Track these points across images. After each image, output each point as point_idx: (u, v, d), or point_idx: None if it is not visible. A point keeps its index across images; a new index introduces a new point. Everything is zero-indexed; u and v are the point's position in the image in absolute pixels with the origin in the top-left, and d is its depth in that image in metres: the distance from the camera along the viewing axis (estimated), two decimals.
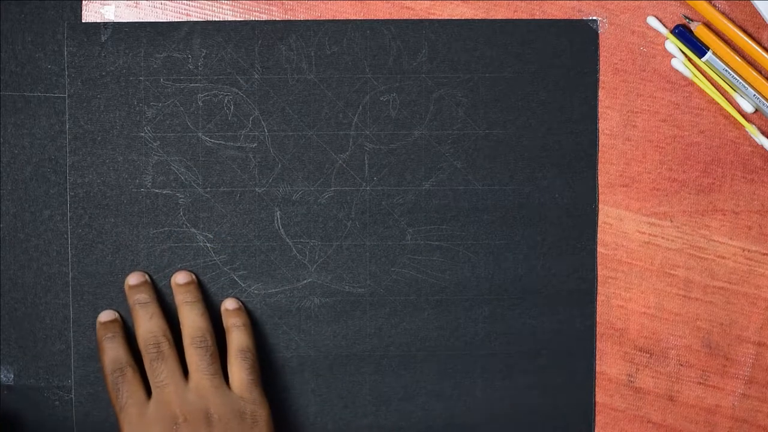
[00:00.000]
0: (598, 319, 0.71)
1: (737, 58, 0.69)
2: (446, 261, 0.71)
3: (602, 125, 0.71)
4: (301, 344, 0.71)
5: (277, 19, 0.70)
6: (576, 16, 0.70)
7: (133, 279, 0.69)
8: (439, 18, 0.70)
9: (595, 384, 0.72)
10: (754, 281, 0.71)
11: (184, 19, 0.70)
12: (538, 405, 0.72)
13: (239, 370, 0.67)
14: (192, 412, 0.64)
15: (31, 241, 0.70)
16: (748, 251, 0.71)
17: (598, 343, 0.71)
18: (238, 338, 0.68)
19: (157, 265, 0.70)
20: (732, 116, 0.70)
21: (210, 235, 0.71)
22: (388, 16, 0.70)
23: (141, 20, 0.70)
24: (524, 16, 0.70)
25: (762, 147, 0.70)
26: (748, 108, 0.70)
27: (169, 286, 0.70)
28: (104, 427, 0.71)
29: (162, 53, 0.70)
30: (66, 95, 0.70)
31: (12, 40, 0.70)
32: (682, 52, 0.70)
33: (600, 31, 0.70)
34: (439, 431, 0.71)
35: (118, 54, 0.70)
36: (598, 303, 0.71)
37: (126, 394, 0.65)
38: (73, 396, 0.71)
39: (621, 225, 0.71)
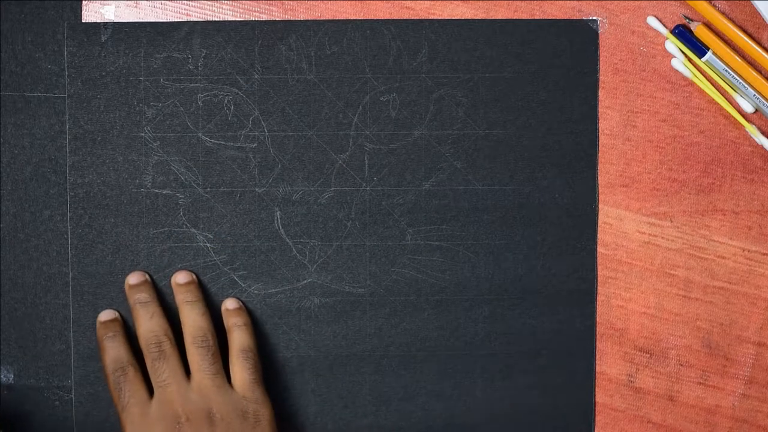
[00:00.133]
0: (598, 319, 0.71)
1: (737, 58, 0.69)
2: (446, 261, 0.71)
3: (602, 125, 0.71)
4: (301, 344, 0.71)
5: (277, 19, 0.70)
6: (576, 16, 0.70)
7: (134, 278, 0.69)
8: (439, 18, 0.70)
9: (595, 384, 0.72)
10: (754, 281, 0.71)
11: (184, 19, 0.70)
12: (538, 405, 0.72)
13: (241, 370, 0.67)
14: (194, 411, 0.64)
15: (31, 241, 0.70)
16: (748, 251, 0.71)
17: (598, 343, 0.71)
18: (239, 338, 0.68)
19: (157, 265, 0.70)
20: (732, 116, 0.70)
21: (210, 235, 0.71)
22: (388, 16, 0.70)
23: (141, 20, 0.70)
24: (524, 16, 0.70)
25: (762, 147, 0.70)
26: (748, 108, 0.70)
27: (170, 286, 0.70)
28: (104, 427, 0.71)
29: (162, 53, 0.70)
30: (66, 95, 0.70)
31: (12, 40, 0.70)
32: (682, 52, 0.70)
33: (600, 31, 0.70)
34: (439, 431, 0.71)
35: (118, 54, 0.70)
36: (598, 303, 0.71)
37: (128, 393, 0.65)
38: (73, 396, 0.71)
39: (621, 225, 0.71)
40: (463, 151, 0.71)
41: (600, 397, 0.72)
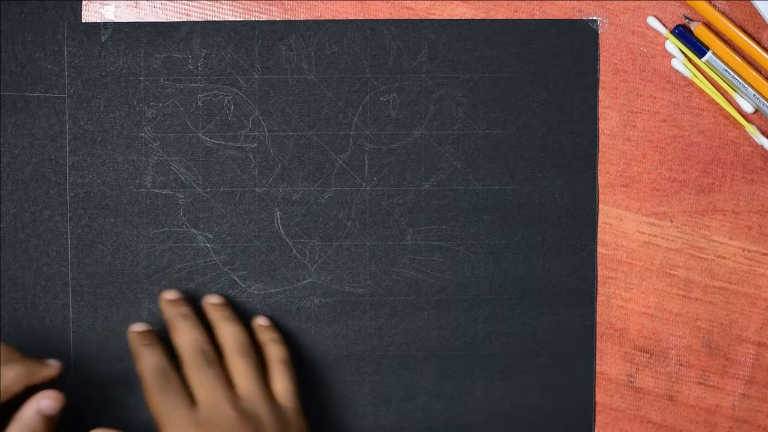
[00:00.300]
0: (598, 319, 0.71)
1: (737, 58, 0.69)
2: (446, 261, 0.71)
3: (602, 125, 0.71)
4: (301, 344, 0.71)
5: (277, 19, 0.70)
6: (576, 16, 0.70)
7: (172, 294, 0.69)
8: (439, 18, 0.70)
9: (595, 384, 0.72)
10: (754, 281, 0.71)
11: (184, 19, 0.70)
12: (538, 405, 0.72)
13: (283, 380, 0.67)
14: (246, 415, 0.64)
15: (31, 241, 0.70)
16: (748, 251, 0.71)
17: (598, 343, 0.71)
18: (277, 350, 0.68)
19: (157, 265, 0.70)
20: (732, 116, 0.70)
21: (210, 235, 0.71)
22: (388, 16, 0.70)
23: (141, 20, 0.70)
24: (524, 16, 0.70)
25: (762, 147, 0.70)
26: (748, 108, 0.70)
27: (169, 285, 0.70)
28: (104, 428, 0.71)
29: (162, 53, 0.70)
30: (66, 95, 0.70)
31: (12, 40, 0.70)
32: (682, 52, 0.70)
33: (600, 31, 0.70)
34: (439, 431, 0.71)
35: (118, 54, 0.70)
36: (598, 303, 0.71)
37: (174, 399, 0.64)
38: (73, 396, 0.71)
39: (621, 225, 0.71)
40: (463, 151, 0.71)
41: (600, 397, 0.72)
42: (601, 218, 0.71)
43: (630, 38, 0.70)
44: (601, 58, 0.70)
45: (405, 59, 0.70)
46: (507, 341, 0.71)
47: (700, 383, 0.72)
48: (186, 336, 0.67)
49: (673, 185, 0.71)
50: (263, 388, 0.66)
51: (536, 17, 0.70)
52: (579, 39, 0.70)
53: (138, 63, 0.70)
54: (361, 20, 0.70)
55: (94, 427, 0.71)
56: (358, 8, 0.70)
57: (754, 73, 0.69)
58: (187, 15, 0.70)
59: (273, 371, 0.68)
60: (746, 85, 0.69)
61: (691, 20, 0.70)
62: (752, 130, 0.70)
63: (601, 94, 0.71)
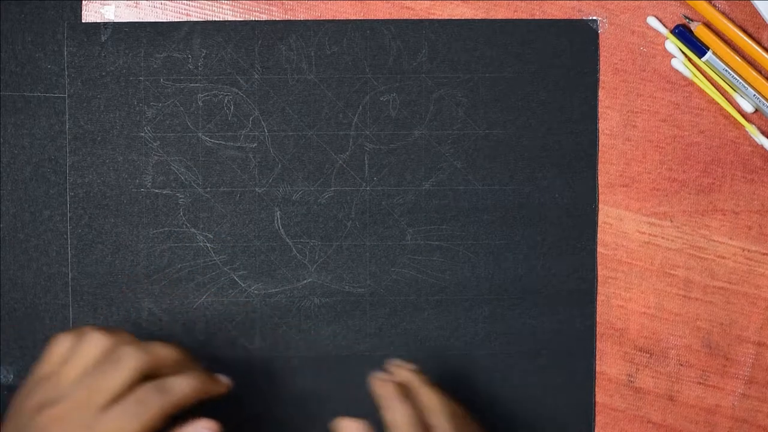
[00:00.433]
0: (598, 319, 0.71)
1: (737, 58, 0.69)
2: (446, 261, 0.71)
3: (602, 125, 0.71)
4: (301, 344, 0.71)
5: (277, 19, 0.70)
6: (576, 16, 0.70)
7: (384, 375, 0.66)
8: (439, 18, 0.70)
9: (595, 384, 0.72)
10: (754, 281, 0.71)
11: (184, 19, 0.70)
12: (538, 405, 0.72)
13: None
14: None
15: (31, 241, 0.70)
16: (748, 251, 0.71)
17: (598, 343, 0.71)
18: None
19: (157, 265, 0.70)
20: (732, 116, 0.70)
21: (210, 235, 0.70)
22: (388, 16, 0.70)
23: (141, 20, 0.70)
24: (524, 16, 0.70)
25: (762, 147, 0.70)
26: (748, 108, 0.70)
27: (169, 285, 0.70)
28: None
29: (162, 53, 0.70)
30: (66, 95, 0.70)
31: (12, 40, 0.70)
32: (682, 52, 0.70)
33: (600, 31, 0.70)
34: None
35: (118, 54, 0.70)
36: (598, 303, 0.71)
37: None
38: None
39: (621, 225, 0.71)
40: (463, 151, 0.71)
41: (600, 397, 0.72)
42: (601, 218, 0.71)
43: (630, 38, 0.70)
44: (601, 58, 0.70)
45: (405, 59, 0.70)
46: (507, 341, 0.71)
47: (700, 383, 0.72)
48: (400, 414, 0.63)
49: (673, 185, 0.71)
50: None
51: (536, 17, 0.70)
52: (579, 39, 0.70)
53: (138, 63, 0.70)
54: (361, 20, 0.70)
55: None
56: (358, 8, 0.70)
57: (754, 73, 0.69)
58: (187, 15, 0.70)
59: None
60: (746, 85, 0.69)
61: (691, 20, 0.70)
62: (752, 130, 0.70)
63: (601, 94, 0.71)
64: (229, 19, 0.70)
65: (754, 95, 0.69)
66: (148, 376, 0.59)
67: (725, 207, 0.71)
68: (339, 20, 0.70)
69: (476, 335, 0.71)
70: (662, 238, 0.71)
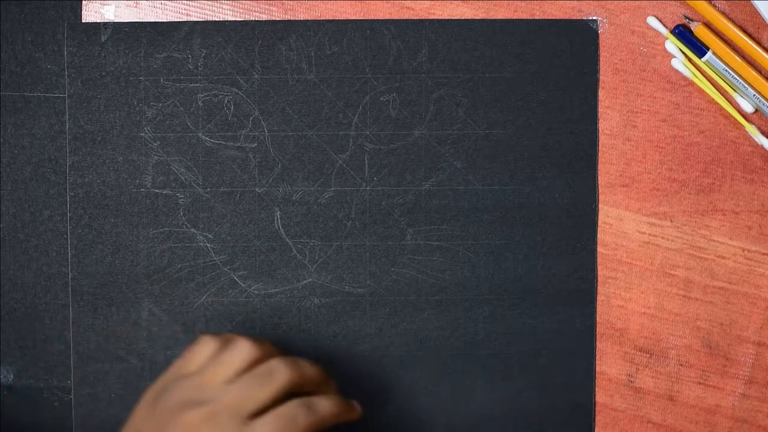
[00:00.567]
0: (598, 319, 0.71)
1: (737, 58, 0.69)
2: (446, 261, 0.71)
3: (602, 125, 0.71)
4: (301, 344, 0.71)
5: (277, 19, 0.70)
6: (576, 16, 0.70)
7: None
8: (439, 18, 0.70)
9: (595, 384, 0.72)
10: (754, 281, 0.71)
11: (184, 19, 0.70)
12: (538, 405, 0.72)
13: None
14: None
15: (31, 241, 0.70)
16: (748, 251, 0.71)
17: (598, 343, 0.71)
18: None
19: (157, 265, 0.70)
20: (732, 116, 0.70)
21: (210, 235, 0.71)
22: (388, 16, 0.70)
23: (141, 20, 0.70)
24: (524, 16, 0.70)
25: (762, 147, 0.70)
26: (748, 108, 0.70)
27: (169, 285, 0.70)
28: (103, 428, 0.71)
29: (162, 53, 0.70)
30: (66, 95, 0.70)
31: (12, 40, 0.70)
32: (682, 52, 0.70)
33: (600, 31, 0.70)
34: (439, 431, 0.71)
35: (118, 54, 0.70)
36: (598, 303, 0.71)
37: None
38: (72, 396, 0.71)
39: (621, 225, 0.71)
40: (463, 151, 0.71)
41: (600, 397, 0.72)
42: (601, 218, 0.71)
43: (630, 38, 0.70)
44: (601, 58, 0.70)
45: (405, 59, 0.70)
46: (507, 341, 0.71)
47: (700, 383, 0.72)
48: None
49: (673, 185, 0.71)
50: None
51: (536, 17, 0.70)
52: (579, 39, 0.70)
53: (138, 63, 0.70)
54: (361, 20, 0.70)
55: (93, 428, 0.71)
56: (358, 8, 0.70)
57: (754, 73, 0.69)
58: (187, 15, 0.70)
59: None
60: (746, 85, 0.69)
61: (691, 20, 0.70)
62: (752, 130, 0.70)
63: (601, 94, 0.71)
64: (229, 19, 0.70)
65: (754, 95, 0.69)
66: (292, 392, 0.61)
67: (725, 207, 0.71)
68: (339, 20, 0.70)
69: (476, 335, 0.71)
70: (662, 238, 0.71)
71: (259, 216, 0.70)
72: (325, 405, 0.61)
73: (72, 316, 0.70)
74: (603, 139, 0.71)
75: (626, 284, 0.71)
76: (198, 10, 0.70)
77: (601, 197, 0.71)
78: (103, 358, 0.71)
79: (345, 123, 0.70)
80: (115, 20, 0.70)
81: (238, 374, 0.61)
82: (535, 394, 0.72)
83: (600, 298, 0.71)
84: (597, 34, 0.70)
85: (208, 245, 0.70)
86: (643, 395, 0.72)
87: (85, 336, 0.70)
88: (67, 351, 0.71)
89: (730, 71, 0.69)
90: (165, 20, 0.70)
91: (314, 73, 0.70)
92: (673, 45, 0.70)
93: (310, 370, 0.62)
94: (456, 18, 0.70)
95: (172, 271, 0.70)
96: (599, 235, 0.71)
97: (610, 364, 0.72)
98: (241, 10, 0.70)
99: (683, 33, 0.69)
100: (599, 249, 0.71)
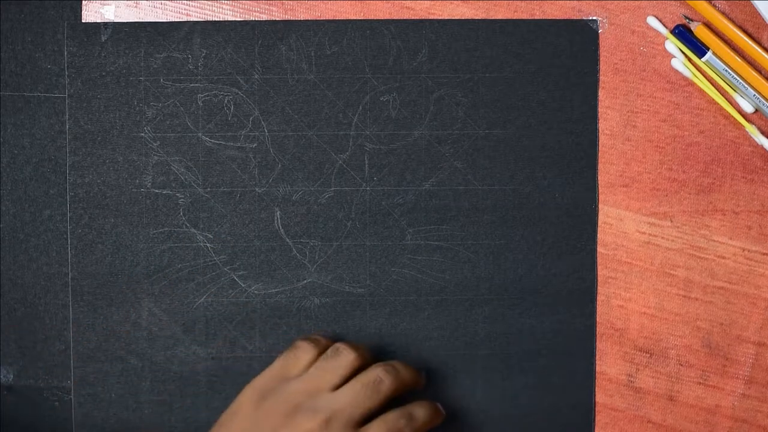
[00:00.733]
0: (598, 319, 0.71)
1: (737, 58, 0.69)
2: (446, 261, 0.71)
3: (602, 125, 0.71)
4: None
5: (277, 19, 0.70)
6: (576, 16, 0.70)
7: None
8: (439, 18, 0.70)
9: (595, 384, 0.72)
10: (754, 281, 0.71)
11: (184, 19, 0.70)
12: (538, 405, 0.72)
13: None
14: None
15: (31, 241, 0.70)
16: (748, 251, 0.71)
17: (598, 343, 0.71)
18: None
19: (157, 265, 0.70)
20: (732, 116, 0.70)
21: (210, 235, 0.71)
22: (388, 16, 0.70)
23: (141, 20, 0.70)
24: (524, 16, 0.70)
25: (762, 147, 0.71)
26: (748, 108, 0.70)
27: (168, 285, 0.70)
28: (104, 428, 0.71)
29: (162, 53, 0.70)
30: (66, 95, 0.70)
31: (12, 40, 0.70)
32: (682, 52, 0.70)
33: (600, 31, 0.70)
34: (439, 431, 0.71)
35: (118, 54, 0.70)
36: (598, 303, 0.71)
37: None
38: (72, 396, 0.71)
39: (621, 225, 0.71)
40: (463, 151, 0.71)
41: (600, 397, 0.72)
42: (601, 218, 0.71)
43: (630, 38, 0.70)
44: (601, 58, 0.70)
45: (405, 59, 0.70)
46: (507, 341, 0.71)
47: (700, 383, 0.72)
48: None
49: (673, 185, 0.71)
50: None
51: (536, 17, 0.70)
52: (579, 39, 0.70)
53: (138, 63, 0.70)
54: (361, 20, 0.70)
55: (93, 428, 0.71)
56: (358, 8, 0.70)
57: (754, 73, 0.69)
58: (187, 15, 0.70)
59: None
60: (746, 85, 0.69)
61: (691, 20, 0.70)
62: (752, 130, 0.70)
63: (601, 94, 0.71)
64: (229, 19, 0.70)
65: (754, 95, 0.69)
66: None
67: (725, 207, 0.71)
68: (339, 20, 0.70)
69: (476, 335, 0.71)
70: (662, 238, 0.71)
71: (259, 216, 0.70)
72: (421, 413, 0.66)
73: (72, 316, 0.70)
74: (603, 139, 0.71)
75: (626, 284, 0.71)
76: (198, 10, 0.70)
77: (601, 197, 0.71)
78: (103, 358, 0.71)
79: (345, 123, 0.70)
80: (115, 20, 0.70)
81: (344, 381, 0.65)
82: (535, 394, 0.72)
83: (600, 298, 0.71)
84: (597, 34, 0.70)
85: (208, 245, 0.70)
86: (643, 395, 0.72)
87: (85, 336, 0.70)
88: (67, 351, 0.71)
89: (730, 71, 0.69)
90: (165, 20, 0.70)
91: (314, 73, 0.70)
92: (673, 45, 0.70)
93: (407, 374, 0.67)
94: (456, 18, 0.70)
95: (172, 271, 0.70)
96: (599, 235, 0.71)
97: (610, 364, 0.72)
98: (241, 10, 0.70)
99: (683, 33, 0.69)
100: (599, 249, 0.71)
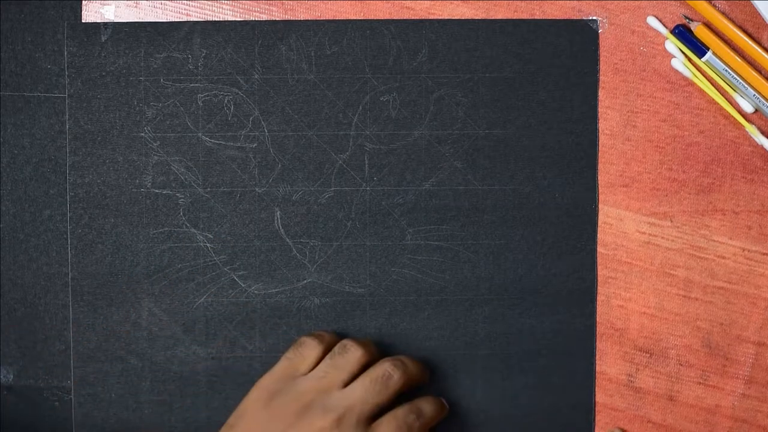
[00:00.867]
0: (598, 319, 0.71)
1: (737, 58, 0.69)
2: (446, 261, 0.71)
3: (602, 125, 0.71)
4: None
5: (277, 19, 0.70)
6: (576, 16, 0.70)
7: None
8: (439, 18, 0.70)
9: (595, 384, 0.72)
10: (754, 281, 0.71)
11: (184, 19, 0.70)
12: (538, 405, 0.72)
13: None
14: None
15: (31, 241, 0.70)
16: (748, 251, 0.71)
17: (598, 343, 0.71)
18: None
19: (157, 265, 0.70)
20: (732, 116, 0.70)
21: (210, 235, 0.71)
22: (388, 16, 0.70)
23: (141, 20, 0.70)
24: (524, 16, 0.70)
25: (762, 147, 0.71)
26: (748, 108, 0.70)
27: (169, 287, 0.70)
28: (104, 428, 0.71)
29: (162, 53, 0.70)
30: (66, 95, 0.70)
31: (12, 40, 0.70)
32: (682, 52, 0.70)
33: (600, 31, 0.70)
34: (439, 431, 0.71)
35: (118, 54, 0.70)
36: (598, 303, 0.71)
37: None
38: (72, 396, 0.71)
39: (621, 225, 0.71)
40: (463, 151, 0.71)
41: (600, 397, 0.72)
42: (601, 218, 0.71)
43: (630, 38, 0.70)
44: (601, 58, 0.70)
45: (405, 59, 0.70)
46: (507, 341, 0.71)
47: (700, 383, 0.72)
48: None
49: (673, 185, 0.71)
50: None
51: (536, 17, 0.70)
52: (579, 39, 0.70)
53: (138, 63, 0.70)
54: (361, 20, 0.70)
55: (93, 428, 0.71)
56: (358, 8, 0.70)
57: (754, 73, 0.69)
58: (187, 15, 0.70)
59: None
60: (746, 85, 0.69)
61: (691, 20, 0.70)
62: (752, 130, 0.70)
63: (601, 94, 0.71)
64: (229, 19, 0.70)
65: (754, 95, 0.69)
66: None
67: (725, 207, 0.71)
68: (339, 20, 0.70)
69: (476, 335, 0.71)
70: (662, 238, 0.71)
71: (259, 216, 0.70)
72: (429, 408, 0.68)
73: (72, 316, 0.70)
74: (603, 139, 0.71)
75: (626, 284, 0.71)
76: (198, 10, 0.70)
77: (601, 197, 0.71)
78: (103, 358, 0.71)
79: (345, 123, 0.70)
80: (115, 20, 0.70)
81: (353, 377, 0.66)
82: (535, 394, 0.72)
83: (600, 298, 0.71)
84: (597, 34, 0.70)
85: (208, 245, 0.70)
86: (643, 395, 0.72)
87: (85, 336, 0.70)
88: (67, 351, 0.71)
89: (730, 71, 0.69)
90: (165, 20, 0.70)
91: (314, 73, 0.70)
92: (673, 45, 0.70)
93: (414, 369, 0.68)
94: (456, 18, 0.70)
95: (172, 271, 0.70)
96: (599, 235, 0.71)
97: (610, 364, 0.72)
98: (241, 10, 0.70)
99: (683, 33, 0.69)
100: (599, 249, 0.71)
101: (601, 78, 0.70)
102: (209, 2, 0.70)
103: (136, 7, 0.70)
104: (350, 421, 0.64)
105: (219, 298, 0.71)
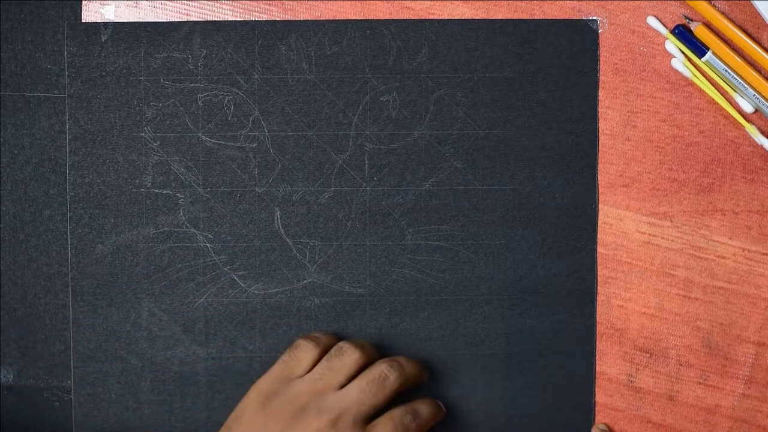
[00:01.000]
0: (598, 319, 0.71)
1: (737, 58, 0.69)
2: (446, 261, 0.71)
3: (602, 125, 0.71)
4: None
5: (277, 19, 0.70)
6: (576, 16, 0.70)
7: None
8: (439, 18, 0.70)
9: (595, 384, 0.72)
10: (754, 281, 0.71)
11: (184, 19, 0.70)
12: (538, 405, 0.72)
13: None
14: None
15: (31, 241, 0.70)
16: (748, 251, 0.71)
17: (598, 343, 0.71)
18: None
19: (157, 265, 0.70)
20: (732, 116, 0.70)
21: (210, 235, 0.71)
22: (388, 16, 0.70)
23: (141, 20, 0.70)
24: (524, 16, 0.70)
25: (762, 147, 0.71)
26: (748, 108, 0.70)
27: (169, 285, 0.70)
28: (104, 428, 0.71)
29: (162, 53, 0.70)
30: (66, 95, 0.70)
31: (12, 40, 0.70)
32: (682, 52, 0.70)
33: (600, 31, 0.70)
34: (439, 431, 0.71)
35: (118, 54, 0.70)
36: (598, 303, 0.71)
37: None
38: (72, 396, 0.71)
39: (621, 225, 0.71)
40: (463, 151, 0.71)
41: (600, 397, 0.72)
42: (601, 218, 0.71)
43: (630, 38, 0.70)
44: (601, 58, 0.70)
45: (405, 59, 0.70)
46: (507, 341, 0.71)
47: (700, 383, 0.72)
48: None
49: (673, 185, 0.71)
50: None
51: (536, 17, 0.70)
52: (579, 39, 0.70)
53: (138, 63, 0.70)
54: (361, 20, 0.70)
55: (93, 428, 0.71)
56: (358, 8, 0.70)
57: (754, 73, 0.69)
58: (187, 15, 0.70)
59: None
60: (746, 85, 0.69)
61: (691, 20, 0.70)
62: (752, 130, 0.70)
63: (601, 94, 0.71)
64: (229, 19, 0.70)
65: (754, 95, 0.69)
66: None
67: (725, 207, 0.71)
68: (339, 20, 0.70)
69: (476, 335, 0.71)
70: (662, 238, 0.71)
71: (259, 216, 0.70)
72: (425, 410, 0.68)
73: (72, 316, 0.70)
74: (603, 139, 0.71)
75: (626, 284, 0.71)
76: (198, 10, 0.70)
77: (601, 197, 0.71)
78: (103, 358, 0.71)
79: (345, 123, 0.70)
80: (115, 20, 0.70)
81: (349, 379, 0.66)
82: (535, 394, 0.72)
83: (600, 298, 0.71)
84: (597, 34, 0.70)
85: (208, 245, 0.70)
86: (643, 395, 0.72)
87: (85, 336, 0.70)
88: (67, 351, 0.71)
89: (730, 71, 0.69)
90: (165, 20, 0.70)
91: (314, 73, 0.70)
92: (673, 45, 0.70)
93: (411, 369, 0.68)
94: (456, 18, 0.70)
95: (172, 271, 0.70)
96: (599, 235, 0.71)
97: (610, 364, 0.72)
98: (241, 10, 0.70)
99: (683, 33, 0.69)
100: (599, 249, 0.71)
101: (601, 78, 0.71)
102: (209, 2, 0.70)
103: (136, 7, 0.70)
104: (346, 422, 0.64)
105: (219, 298, 0.71)
